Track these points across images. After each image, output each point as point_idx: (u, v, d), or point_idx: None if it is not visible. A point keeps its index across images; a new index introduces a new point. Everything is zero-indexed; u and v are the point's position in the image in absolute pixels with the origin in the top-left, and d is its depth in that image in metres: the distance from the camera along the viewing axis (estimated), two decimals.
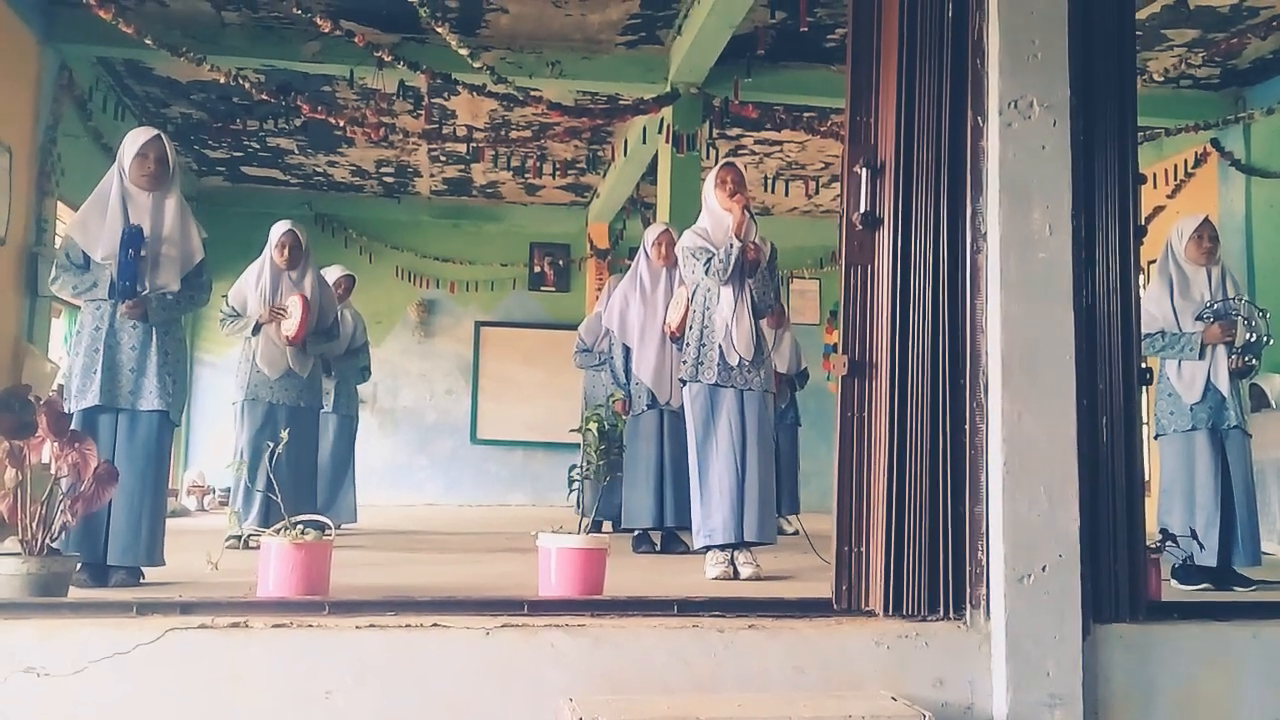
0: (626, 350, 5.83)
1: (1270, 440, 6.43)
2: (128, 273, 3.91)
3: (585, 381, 7.16)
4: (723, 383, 4.48)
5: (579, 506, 5.81)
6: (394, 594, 2.92)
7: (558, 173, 10.01)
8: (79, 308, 4.08)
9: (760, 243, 4.58)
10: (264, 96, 7.59)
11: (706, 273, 4.51)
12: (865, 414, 2.89)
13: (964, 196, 2.88)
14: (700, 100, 7.96)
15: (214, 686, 2.42)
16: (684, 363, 4.65)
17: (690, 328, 4.64)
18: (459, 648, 2.52)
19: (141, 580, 3.89)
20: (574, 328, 7.29)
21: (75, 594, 3.11)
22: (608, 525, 6.42)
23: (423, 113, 8.55)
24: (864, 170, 2.94)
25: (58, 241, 7.57)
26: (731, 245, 4.45)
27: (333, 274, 6.90)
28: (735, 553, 4.41)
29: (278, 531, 3.09)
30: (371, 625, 2.52)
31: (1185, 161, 8.82)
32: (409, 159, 10.66)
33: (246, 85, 7.36)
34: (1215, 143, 8.51)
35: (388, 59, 7.05)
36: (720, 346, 4.49)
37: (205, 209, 10.99)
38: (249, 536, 5.25)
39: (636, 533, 5.82)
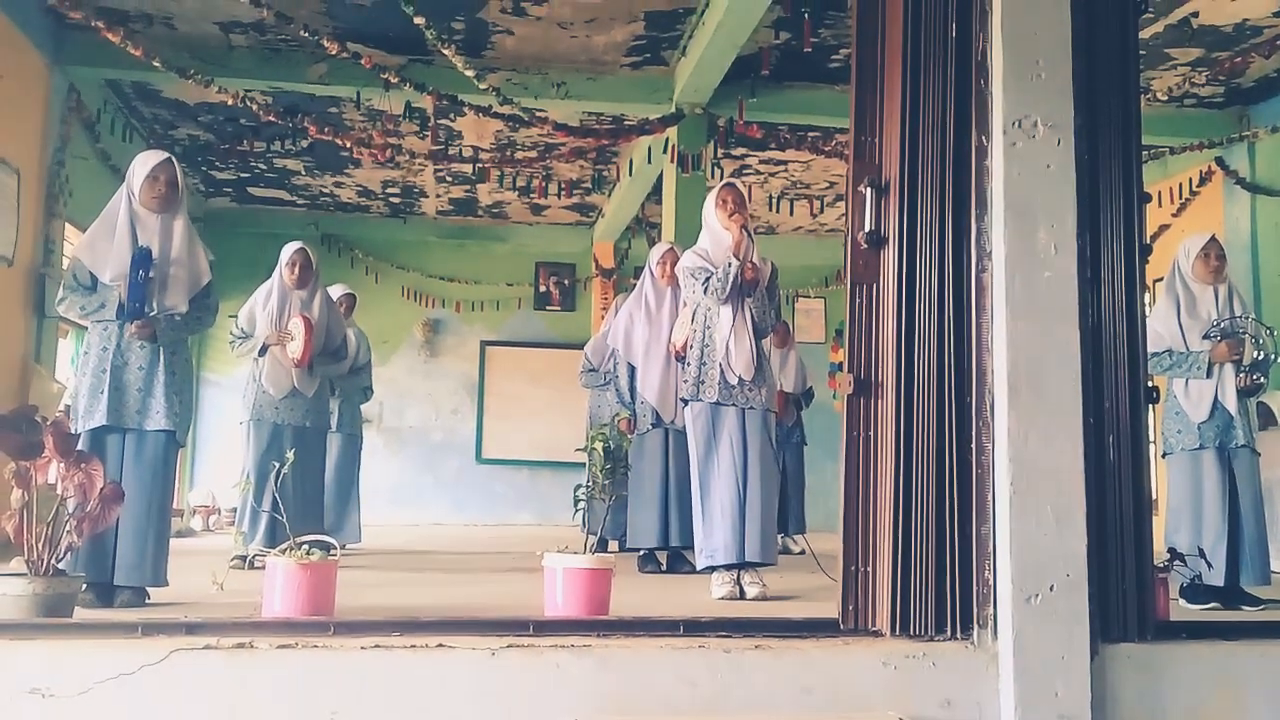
0: (632, 369, 5.84)
1: (1278, 458, 6.40)
2: (137, 294, 3.93)
3: (590, 401, 7.15)
4: (724, 401, 4.49)
5: (584, 526, 5.80)
6: (399, 614, 2.91)
7: (563, 193, 10.05)
8: (86, 328, 4.09)
9: (760, 263, 4.60)
10: (271, 118, 7.63)
11: (705, 292, 4.53)
12: (871, 433, 2.89)
13: (969, 215, 2.88)
14: (705, 120, 7.99)
15: (219, 707, 2.42)
16: (685, 381, 4.65)
17: (691, 347, 4.65)
18: (464, 668, 2.51)
19: (147, 600, 3.89)
20: (579, 347, 7.29)
21: (80, 614, 3.11)
22: (614, 545, 6.40)
23: (429, 134, 8.59)
24: (868, 189, 2.94)
25: (65, 263, 7.60)
26: (729, 264, 4.47)
27: (333, 293, 6.91)
28: (741, 572, 4.39)
29: (283, 552, 3.09)
30: (377, 646, 2.51)
31: (1190, 180, 8.83)
32: (415, 179, 10.71)
33: (254, 107, 7.40)
34: (1220, 161, 8.51)
35: (394, 80, 7.09)
36: (721, 365, 4.50)
37: (212, 230, 11.05)
38: (254, 557, 5.25)
39: (642, 552, 5.81)
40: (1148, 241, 3.03)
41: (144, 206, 4.07)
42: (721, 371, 4.49)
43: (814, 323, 12.54)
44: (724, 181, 4.77)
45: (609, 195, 10.89)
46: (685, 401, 4.67)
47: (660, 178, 8.81)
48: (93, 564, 3.69)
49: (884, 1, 3.01)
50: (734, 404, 4.49)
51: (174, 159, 4.16)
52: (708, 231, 4.70)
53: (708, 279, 4.52)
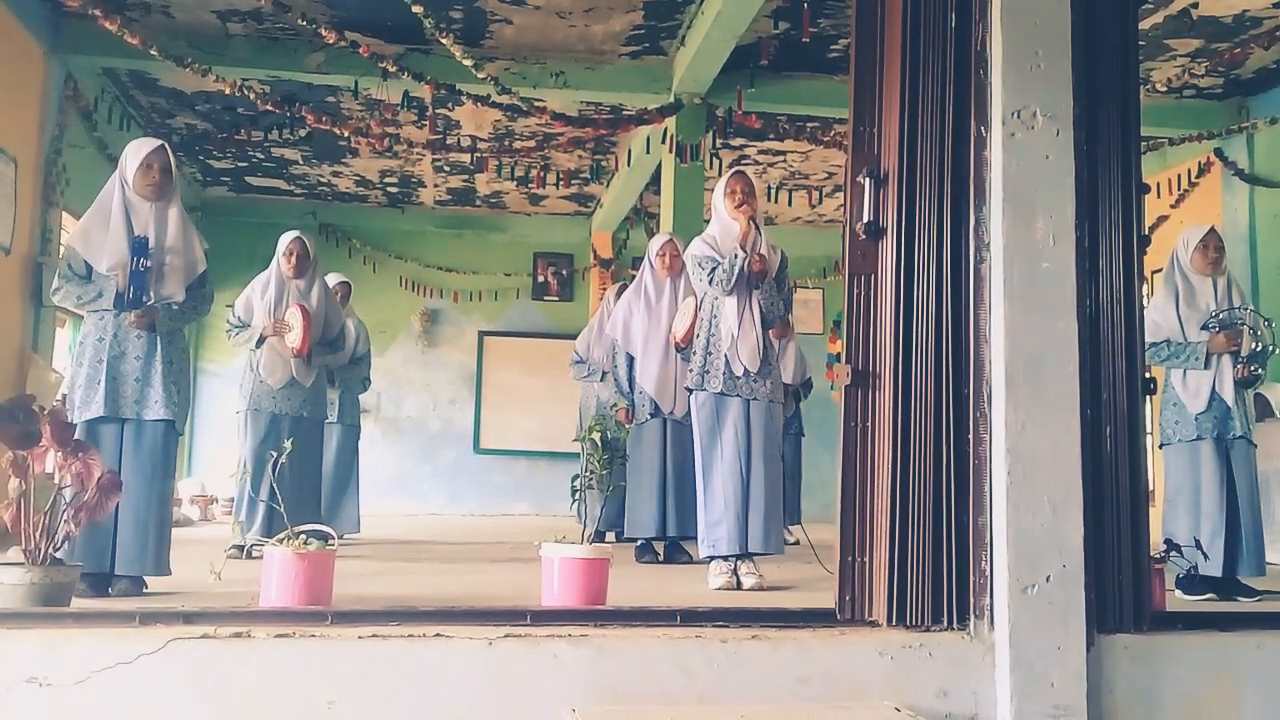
0: (630, 359, 5.84)
1: (1275, 450, 6.41)
2: (137, 283, 3.92)
3: (581, 394, 7.16)
4: (728, 392, 4.47)
5: (581, 516, 5.81)
6: (397, 604, 2.91)
7: (561, 183, 10.03)
8: (83, 317, 4.08)
9: (770, 253, 4.56)
10: (269, 107, 7.61)
11: (710, 282, 4.51)
12: (869, 424, 2.89)
13: (967, 206, 2.88)
14: (704, 110, 7.97)
15: (216, 696, 2.42)
16: (690, 371, 4.62)
17: (698, 335, 4.63)
18: (461, 658, 2.52)
19: (144, 590, 3.89)
20: (577, 337, 7.30)
21: (78, 604, 3.11)
22: (611, 535, 6.41)
23: (427, 123, 8.58)
24: (867, 180, 2.94)
25: (62, 251, 7.59)
26: (736, 255, 4.44)
27: (329, 281, 6.89)
28: (738, 563, 4.40)
29: (281, 541, 3.09)
30: (374, 635, 2.52)
31: (1189, 171, 8.83)
32: (413, 169, 10.69)
33: (251, 96, 7.38)
34: (1219, 152, 8.52)
35: (392, 70, 7.07)
36: (726, 356, 4.48)
37: (210, 219, 11.05)
38: (251, 546, 5.25)
39: (639, 542, 5.81)
40: (1146, 232, 3.03)
41: (138, 194, 4.04)
42: (727, 362, 4.47)
43: (812, 314, 12.53)
44: (734, 170, 4.70)
45: (607, 185, 10.88)
46: (690, 390, 4.64)
47: (659, 168, 8.80)
48: (90, 553, 3.68)
49: None
50: (738, 395, 4.47)
51: (167, 146, 4.13)
52: (717, 220, 4.66)
53: (714, 269, 4.49)
